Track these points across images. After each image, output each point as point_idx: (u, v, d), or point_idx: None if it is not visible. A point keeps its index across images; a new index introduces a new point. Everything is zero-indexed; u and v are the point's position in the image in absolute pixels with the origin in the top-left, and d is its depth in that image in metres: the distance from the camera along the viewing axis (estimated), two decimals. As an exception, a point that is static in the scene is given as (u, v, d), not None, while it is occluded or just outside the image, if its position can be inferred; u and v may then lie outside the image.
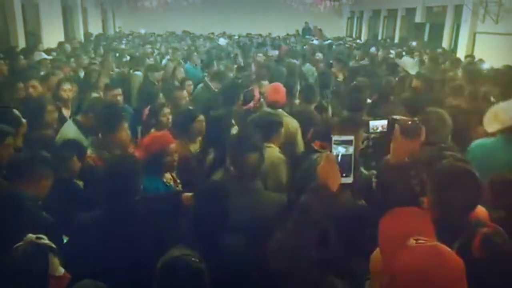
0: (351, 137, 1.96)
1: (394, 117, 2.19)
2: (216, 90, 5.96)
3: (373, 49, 13.13)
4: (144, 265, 2.08)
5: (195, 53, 10.14)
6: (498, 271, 1.85)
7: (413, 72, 8.26)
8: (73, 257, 2.14)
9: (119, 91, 5.29)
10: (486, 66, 8.81)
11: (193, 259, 1.97)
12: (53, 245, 1.92)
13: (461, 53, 12.05)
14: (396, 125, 2.11)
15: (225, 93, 5.14)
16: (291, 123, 4.19)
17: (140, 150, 3.27)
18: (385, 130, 2.19)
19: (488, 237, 2.07)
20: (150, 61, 8.99)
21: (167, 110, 4.33)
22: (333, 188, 1.88)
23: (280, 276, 1.99)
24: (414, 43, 14.43)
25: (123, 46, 12.65)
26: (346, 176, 1.93)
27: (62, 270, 1.90)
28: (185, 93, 5.41)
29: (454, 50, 13.16)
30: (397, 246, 1.45)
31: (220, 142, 3.55)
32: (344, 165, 1.93)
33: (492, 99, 5.17)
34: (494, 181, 2.62)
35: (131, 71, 7.70)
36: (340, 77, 7.66)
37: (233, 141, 2.96)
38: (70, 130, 3.92)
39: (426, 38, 15.93)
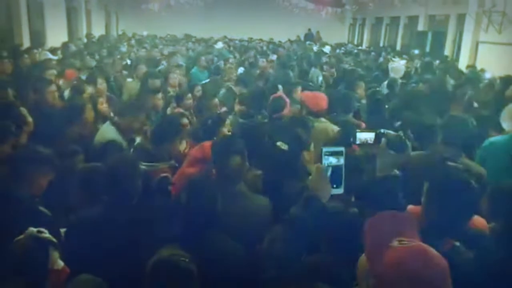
0: (342, 148, 2.00)
1: (382, 130, 2.23)
2: (239, 95, 5.71)
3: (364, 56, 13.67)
4: (139, 262, 2.09)
5: (203, 57, 9.68)
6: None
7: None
8: (69, 253, 2.15)
9: (160, 95, 5.18)
10: (488, 75, 8.85)
11: (182, 259, 1.96)
12: (53, 239, 1.93)
13: (463, 62, 12.10)
14: (383, 139, 2.14)
15: (253, 98, 5.02)
16: (332, 129, 4.18)
17: (194, 161, 3.20)
18: (371, 142, 2.23)
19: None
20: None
21: (185, 120, 4.26)
22: (324, 199, 1.91)
23: (269, 283, 2.01)
24: (416, 52, 14.49)
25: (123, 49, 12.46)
26: (337, 187, 1.96)
27: (61, 264, 1.91)
28: (216, 100, 5.24)
29: (456, 59, 13.19)
30: (381, 248, 1.46)
31: (257, 151, 3.40)
32: (335, 176, 1.95)
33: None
34: (493, 190, 2.65)
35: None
36: (331, 82, 8.05)
37: (217, 143, 2.95)
38: (109, 132, 3.87)
39: (428, 46, 15.97)
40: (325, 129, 4.21)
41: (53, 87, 4.85)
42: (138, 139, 4.03)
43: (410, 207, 2.32)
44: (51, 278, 1.86)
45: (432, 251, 1.45)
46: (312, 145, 3.55)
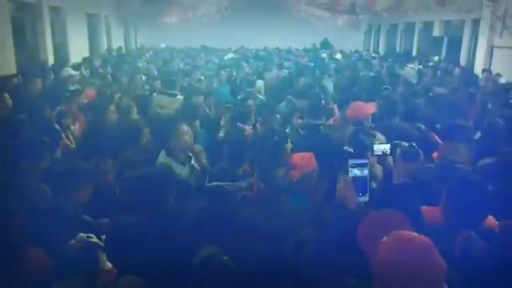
0: (366, 161, 2.21)
1: (396, 141, 2.42)
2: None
3: (375, 61, 14.26)
4: (176, 263, 2.29)
5: (222, 71, 9.48)
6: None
7: (414, 81, 8.82)
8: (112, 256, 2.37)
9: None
10: (503, 80, 8.92)
11: (224, 258, 2.18)
12: (101, 243, 2.15)
13: (478, 67, 12.11)
14: (398, 149, 2.33)
15: (312, 110, 5.13)
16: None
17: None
18: (388, 153, 2.42)
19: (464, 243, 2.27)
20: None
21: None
22: (350, 206, 2.11)
23: (303, 280, 2.20)
24: (436, 58, 14.56)
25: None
26: (362, 196, 2.16)
27: (109, 265, 2.13)
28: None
29: (472, 64, 13.20)
30: (375, 245, 1.59)
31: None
32: (360, 185, 2.16)
33: None
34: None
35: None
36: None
37: (261, 155, 3.11)
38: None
39: (444, 51, 15.96)
40: None
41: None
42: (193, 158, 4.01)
43: (424, 208, 2.48)
44: (101, 278, 2.08)
45: (412, 234, 1.58)
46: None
